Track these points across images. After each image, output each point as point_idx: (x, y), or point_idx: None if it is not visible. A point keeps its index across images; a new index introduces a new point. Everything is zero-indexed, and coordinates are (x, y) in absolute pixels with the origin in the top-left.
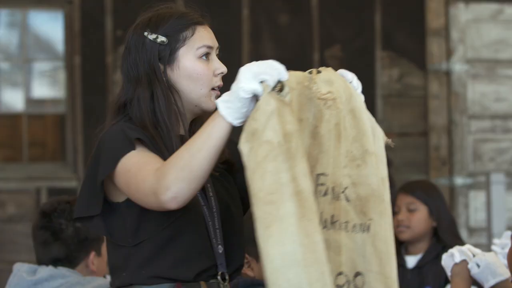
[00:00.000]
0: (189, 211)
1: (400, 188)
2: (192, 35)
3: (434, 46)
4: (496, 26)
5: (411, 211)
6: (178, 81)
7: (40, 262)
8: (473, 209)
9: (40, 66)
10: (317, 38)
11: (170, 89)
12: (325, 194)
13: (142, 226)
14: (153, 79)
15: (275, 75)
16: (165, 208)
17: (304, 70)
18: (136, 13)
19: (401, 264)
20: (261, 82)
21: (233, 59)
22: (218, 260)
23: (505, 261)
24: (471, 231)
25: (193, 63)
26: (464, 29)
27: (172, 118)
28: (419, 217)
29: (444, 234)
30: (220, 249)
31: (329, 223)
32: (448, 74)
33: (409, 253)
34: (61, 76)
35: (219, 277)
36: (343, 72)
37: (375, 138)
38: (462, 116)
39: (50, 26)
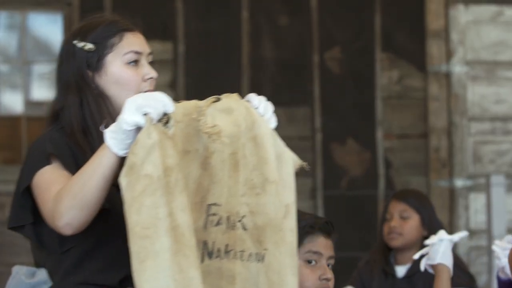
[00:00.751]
0: (114, 216)
1: (392, 195)
2: (120, 41)
3: (434, 48)
4: (496, 28)
5: (403, 218)
6: (106, 87)
7: (39, 265)
8: (473, 211)
9: (40, 68)
10: (316, 39)
11: (99, 95)
12: (218, 223)
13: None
14: (82, 85)
15: (160, 107)
16: (61, 233)
17: (303, 71)
18: (135, 14)
19: (390, 273)
20: (145, 114)
21: (233, 60)
22: None
23: (505, 261)
24: (471, 233)
25: (120, 69)
26: (464, 30)
27: (98, 124)
28: (412, 225)
29: None
30: None
31: (222, 253)
32: (448, 75)
33: (398, 262)
34: None
35: None
36: (250, 97)
37: (282, 164)
38: (462, 118)
39: (50, 28)
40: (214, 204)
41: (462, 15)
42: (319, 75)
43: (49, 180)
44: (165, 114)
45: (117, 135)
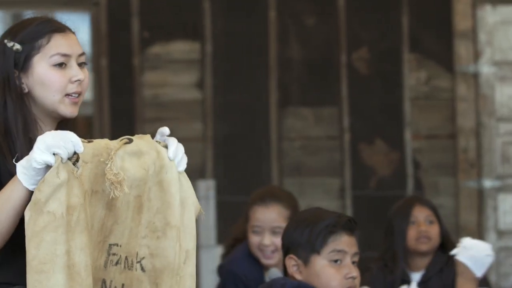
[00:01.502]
0: None
1: (413, 200)
2: (48, 43)
3: (462, 48)
4: None
5: (430, 223)
6: (32, 88)
7: None
8: (502, 211)
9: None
10: (344, 40)
11: (22, 96)
12: (117, 263)
13: None
14: (7, 85)
15: (69, 148)
16: None
17: (331, 71)
18: (162, 14)
19: (405, 280)
20: (55, 154)
21: (260, 60)
22: None
23: None
24: (500, 234)
25: (46, 71)
26: (492, 31)
27: (20, 124)
28: (437, 230)
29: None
30: None
31: None
32: (475, 76)
33: (411, 269)
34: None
35: None
36: (168, 140)
37: (185, 209)
38: (490, 119)
39: (77, 28)
40: (115, 245)
41: (490, 15)
42: (347, 75)
43: None
44: (74, 153)
45: (27, 171)
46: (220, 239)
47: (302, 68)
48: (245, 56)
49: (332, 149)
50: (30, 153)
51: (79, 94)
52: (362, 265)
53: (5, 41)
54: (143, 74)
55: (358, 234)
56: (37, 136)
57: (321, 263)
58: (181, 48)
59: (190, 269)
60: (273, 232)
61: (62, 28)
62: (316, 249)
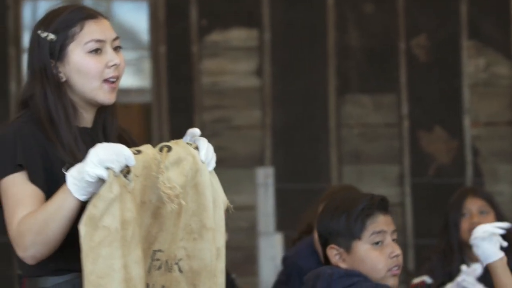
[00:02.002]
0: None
1: (465, 192)
2: (81, 30)
3: None
4: None
5: (482, 213)
6: (70, 76)
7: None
8: None
9: (125, 55)
10: (402, 27)
11: (61, 85)
12: (159, 268)
13: None
14: (44, 76)
15: (122, 161)
16: (24, 259)
17: (390, 58)
18: (220, 1)
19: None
20: (107, 168)
21: (318, 48)
22: None
23: None
24: None
25: (81, 58)
26: None
27: (62, 112)
28: (490, 221)
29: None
30: None
31: None
32: None
33: (471, 260)
34: (146, 65)
35: None
36: (199, 141)
37: (216, 209)
38: None
39: (135, 16)
40: (159, 251)
41: None
42: (406, 62)
43: (17, 195)
44: (126, 166)
45: (79, 182)
46: (279, 226)
47: (361, 56)
48: (303, 44)
49: (391, 137)
50: (82, 165)
51: (117, 78)
52: (422, 253)
53: (39, 32)
54: (202, 61)
55: (391, 211)
56: (78, 124)
57: (363, 248)
58: (239, 36)
59: (221, 265)
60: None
61: (94, 15)
62: (356, 235)
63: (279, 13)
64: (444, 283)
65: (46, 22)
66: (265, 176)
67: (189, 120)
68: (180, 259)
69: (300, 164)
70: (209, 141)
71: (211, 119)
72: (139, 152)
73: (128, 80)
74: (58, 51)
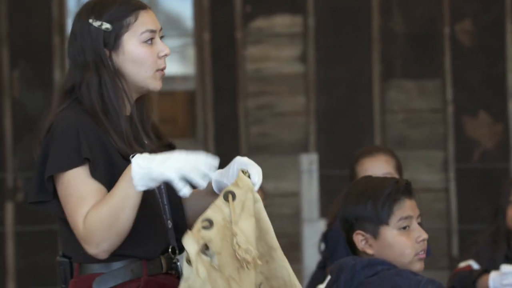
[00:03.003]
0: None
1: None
2: (135, 20)
3: None
4: None
5: None
6: (123, 66)
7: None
8: None
9: (170, 42)
10: (447, 12)
11: (117, 75)
12: None
13: None
14: (100, 65)
15: (201, 171)
16: (93, 255)
17: (434, 43)
18: None
19: (510, 257)
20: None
21: (363, 34)
22: (169, 235)
23: None
24: None
25: (137, 48)
26: None
27: (119, 102)
28: None
29: None
30: (170, 224)
31: None
32: None
33: None
34: (191, 52)
35: (170, 251)
36: (250, 169)
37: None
38: None
39: (179, 3)
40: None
41: None
42: (450, 47)
43: (81, 191)
44: (204, 244)
45: (145, 176)
46: (323, 213)
47: (405, 41)
48: (347, 30)
49: (435, 122)
50: (154, 161)
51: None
52: (466, 239)
53: (90, 20)
54: (246, 48)
55: (415, 195)
56: (129, 112)
57: (391, 233)
58: (283, 22)
59: (296, 279)
60: None
61: (144, 5)
62: (384, 221)
63: None
64: (489, 270)
65: (97, 11)
66: (309, 162)
67: (233, 107)
68: (261, 283)
69: (344, 150)
70: (253, 128)
71: (255, 106)
72: (211, 224)
73: (173, 68)
74: (112, 41)
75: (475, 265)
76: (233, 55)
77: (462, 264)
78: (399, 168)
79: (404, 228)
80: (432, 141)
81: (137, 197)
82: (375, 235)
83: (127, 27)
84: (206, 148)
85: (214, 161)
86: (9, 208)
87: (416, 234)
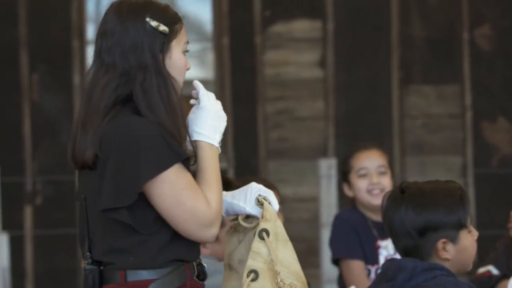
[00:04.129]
0: None
1: None
2: (181, 29)
3: None
4: None
5: None
6: (169, 71)
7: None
8: None
9: (189, 47)
10: (466, 17)
11: (170, 77)
12: None
13: (159, 215)
14: (160, 67)
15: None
16: (205, 241)
17: (453, 48)
18: None
19: None
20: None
21: (382, 38)
22: None
23: None
24: None
25: (179, 56)
26: None
27: (180, 105)
28: None
29: None
30: None
31: None
32: None
33: None
34: (210, 57)
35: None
36: (270, 197)
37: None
38: None
39: (198, 7)
40: None
41: None
42: (469, 52)
43: (189, 180)
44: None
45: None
46: None
47: (424, 46)
48: (366, 34)
49: (454, 127)
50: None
51: None
52: (485, 244)
53: (147, 19)
54: (265, 53)
55: None
56: None
57: (468, 236)
58: (302, 27)
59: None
60: (379, 172)
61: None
62: (464, 224)
63: (342, 4)
64: (508, 276)
65: (151, 11)
66: (328, 167)
67: (252, 112)
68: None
69: (352, 154)
70: (272, 132)
71: (274, 111)
72: (256, 274)
73: (192, 72)
74: (165, 45)
75: (494, 271)
76: (252, 60)
77: (482, 270)
78: (390, 164)
79: (470, 231)
80: (451, 146)
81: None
82: (455, 240)
83: (176, 34)
84: (225, 153)
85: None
86: (28, 212)
87: (475, 234)
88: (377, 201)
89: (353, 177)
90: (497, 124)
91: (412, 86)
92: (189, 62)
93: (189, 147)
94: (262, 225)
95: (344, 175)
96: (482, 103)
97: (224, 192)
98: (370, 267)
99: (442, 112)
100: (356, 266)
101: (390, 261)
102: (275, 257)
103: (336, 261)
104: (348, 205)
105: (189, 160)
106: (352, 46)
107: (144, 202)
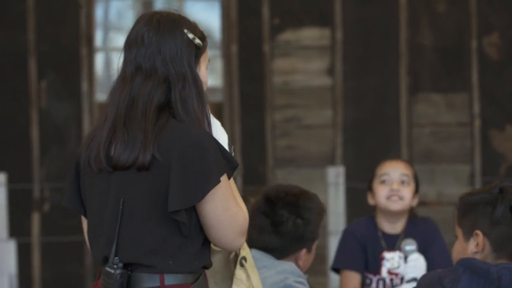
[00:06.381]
0: None
1: None
2: (207, 45)
3: None
4: None
5: None
6: None
7: (251, 245)
8: None
9: None
10: (475, 25)
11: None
12: None
13: (199, 220)
14: (196, 78)
15: None
16: (236, 249)
17: (462, 57)
18: (293, 0)
19: None
20: None
21: (390, 47)
22: None
23: None
24: None
25: (205, 71)
26: None
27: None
28: None
29: None
30: None
31: None
32: None
33: None
34: (218, 64)
35: None
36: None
37: None
38: None
39: (207, 15)
40: None
41: None
42: (477, 61)
43: (234, 188)
44: None
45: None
46: None
47: (433, 54)
48: (375, 42)
49: (462, 136)
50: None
51: None
52: None
53: (185, 31)
54: (273, 60)
55: None
56: None
57: None
58: (311, 35)
59: None
60: (401, 181)
61: None
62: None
63: (351, 12)
64: None
65: (186, 23)
66: (336, 175)
67: (260, 119)
68: None
69: (371, 163)
70: (280, 140)
71: (282, 118)
72: None
73: None
74: (198, 58)
75: None
76: (260, 68)
77: None
78: (415, 177)
79: None
80: (459, 154)
81: None
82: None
83: (204, 49)
84: None
85: None
86: (36, 218)
87: None
88: (394, 207)
89: (375, 184)
90: (505, 133)
91: (421, 95)
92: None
93: None
94: (241, 253)
95: (368, 183)
96: (490, 111)
97: None
98: (371, 276)
99: (450, 121)
100: (353, 278)
101: (498, 267)
102: (253, 284)
103: (336, 270)
104: (367, 214)
105: (235, 168)
106: (360, 54)
107: (192, 206)
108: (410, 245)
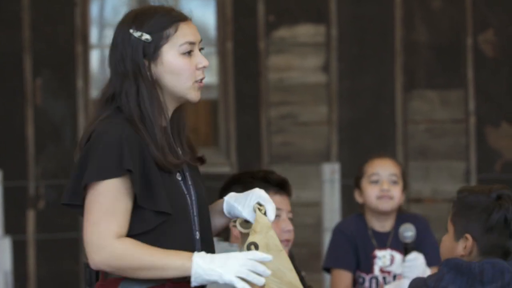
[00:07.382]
0: (177, 201)
1: None
2: (175, 32)
3: None
4: None
5: None
6: (162, 76)
7: None
8: None
9: None
10: (470, 22)
11: (154, 85)
12: None
13: (135, 220)
14: (138, 75)
15: (257, 279)
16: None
17: (457, 54)
18: None
19: None
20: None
21: (386, 44)
22: (196, 245)
23: None
24: None
25: (176, 59)
26: None
27: (155, 112)
28: None
29: None
30: (198, 235)
31: None
32: None
33: None
34: (213, 62)
35: None
36: (268, 206)
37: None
38: None
39: (202, 12)
40: None
41: None
42: (473, 58)
43: (114, 204)
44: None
45: (203, 276)
46: None
47: (428, 51)
48: (370, 40)
49: (457, 133)
50: (216, 264)
51: (203, 78)
52: None
53: (131, 31)
54: (269, 57)
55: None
56: (165, 123)
57: None
58: (306, 32)
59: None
60: (391, 180)
61: (185, 17)
62: None
63: (347, 9)
64: None
65: (138, 22)
66: (331, 172)
67: (255, 116)
68: None
69: (366, 160)
70: (275, 137)
71: (277, 115)
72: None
73: None
74: (152, 52)
75: None
76: (256, 65)
77: None
78: (404, 176)
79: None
80: (454, 151)
81: (181, 275)
82: None
83: (167, 38)
84: (228, 157)
85: (268, 257)
86: (31, 216)
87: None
88: (385, 207)
89: (364, 183)
90: (500, 130)
91: (416, 92)
92: (204, 60)
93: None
94: (251, 238)
95: (356, 181)
96: (485, 108)
97: (231, 194)
98: (364, 275)
99: (445, 118)
100: (344, 277)
101: (481, 262)
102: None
103: (327, 270)
104: (357, 211)
105: (137, 182)
106: (356, 51)
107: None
108: (408, 231)
